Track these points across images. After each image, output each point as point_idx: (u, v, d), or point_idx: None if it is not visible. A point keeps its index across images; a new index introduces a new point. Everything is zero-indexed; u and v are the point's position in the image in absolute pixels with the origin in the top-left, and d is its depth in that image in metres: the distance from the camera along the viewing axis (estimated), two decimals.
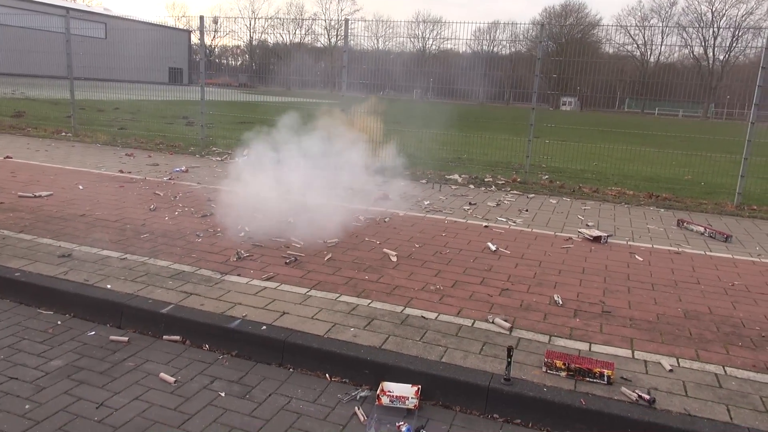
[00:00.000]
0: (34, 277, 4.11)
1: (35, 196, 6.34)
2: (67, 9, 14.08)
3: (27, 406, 2.82)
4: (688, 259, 5.40)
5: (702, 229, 6.38)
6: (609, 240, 5.88)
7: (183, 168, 8.61)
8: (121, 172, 8.17)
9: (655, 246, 5.82)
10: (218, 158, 9.97)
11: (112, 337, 3.58)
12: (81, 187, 7.01)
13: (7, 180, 7.17)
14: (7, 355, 3.30)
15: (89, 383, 3.07)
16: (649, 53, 49.59)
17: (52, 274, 4.15)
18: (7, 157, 8.88)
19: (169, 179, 7.85)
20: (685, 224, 6.65)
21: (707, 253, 5.67)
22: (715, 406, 2.88)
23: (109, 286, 3.98)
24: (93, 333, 3.64)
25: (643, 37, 54.67)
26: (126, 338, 3.57)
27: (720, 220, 7.21)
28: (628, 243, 5.88)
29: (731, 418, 2.79)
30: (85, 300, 3.87)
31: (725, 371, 3.25)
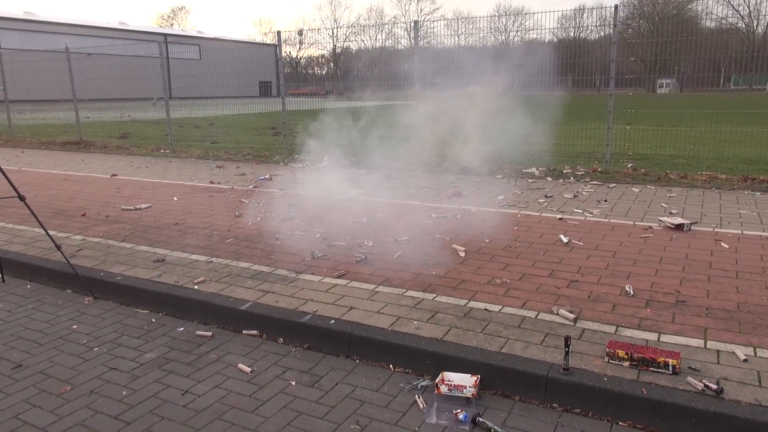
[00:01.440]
0: (132, 280, 4.57)
1: (136, 209, 6.99)
2: (165, 35, 15.23)
3: (124, 393, 3.19)
4: None
5: None
6: (692, 227, 5.61)
7: (267, 176, 9.10)
8: (212, 183, 8.77)
9: (744, 232, 5.49)
10: (300, 165, 10.43)
11: (198, 333, 3.93)
12: (175, 198, 7.62)
13: (113, 195, 7.93)
14: (109, 348, 3.72)
15: (177, 373, 3.40)
16: (755, 24, 45.79)
17: (147, 278, 4.60)
18: (114, 175, 9.79)
19: (254, 187, 8.33)
20: None
21: None
22: None
23: (195, 287, 4.35)
24: (182, 329, 4.01)
25: (748, 7, 50.49)
26: (210, 333, 3.91)
27: None
28: (715, 230, 5.58)
29: None
30: (175, 300, 4.26)
31: None
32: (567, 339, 3.02)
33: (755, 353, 3.16)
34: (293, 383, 3.27)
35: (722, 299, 3.91)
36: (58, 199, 7.74)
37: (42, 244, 5.54)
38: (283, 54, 12.23)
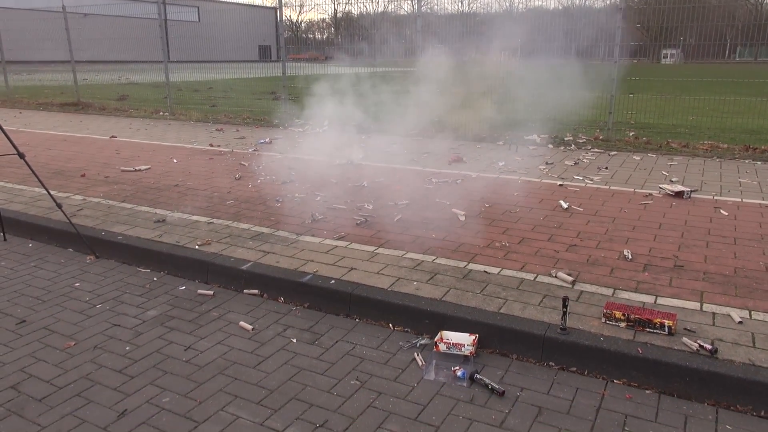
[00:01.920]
0: (133, 240, 4.59)
1: (135, 170, 6.97)
2: None
3: (127, 348, 3.24)
4: None
5: None
6: (692, 195, 5.62)
7: (267, 140, 9.06)
8: (211, 145, 8.73)
9: (744, 200, 5.50)
10: (300, 129, 10.37)
11: (200, 291, 3.96)
12: (175, 160, 7.60)
13: (112, 157, 7.90)
14: (112, 306, 3.76)
15: (179, 330, 3.45)
16: None
17: (149, 237, 4.62)
18: (113, 136, 9.74)
19: (254, 151, 8.30)
20: None
21: None
22: None
23: (197, 247, 4.38)
24: (183, 288, 4.04)
25: None
26: (211, 292, 3.94)
27: None
28: (714, 198, 5.59)
29: None
30: (177, 259, 4.29)
31: None
32: (565, 300, 3.05)
33: (750, 316, 3.20)
34: (294, 341, 3.32)
35: (720, 264, 3.94)
36: (57, 159, 7.72)
37: (43, 204, 5.54)
38: (284, 18, 12.04)
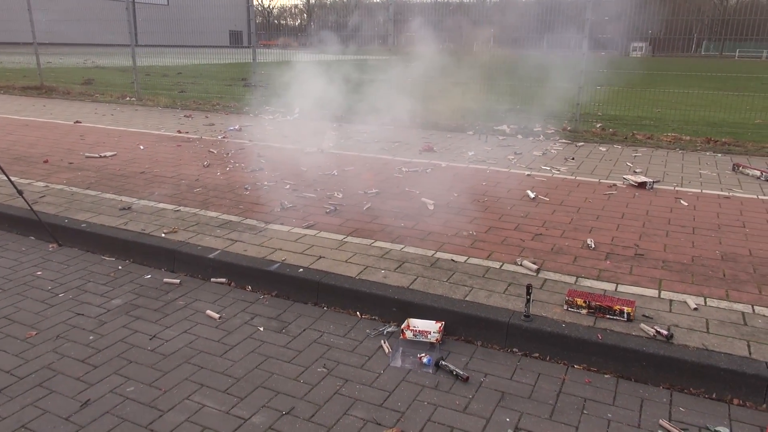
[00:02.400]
0: (97, 227, 4.51)
1: (100, 157, 6.83)
2: None
3: (91, 337, 3.19)
4: (737, 204, 5.24)
5: (758, 173, 6.13)
6: (655, 186, 5.76)
7: (237, 127, 8.95)
8: (179, 132, 8.60)
9: (704, 191, 5.66)
10: (270, 117, 10.27)
11: (166, 280, 3.93)
12: (142, 147, 7.46)
13: (76, 143, 7.72)
14: (75, 295, 3.70)
15: (144, 319, 3.41)
16: None
17: (114, 225, 4.54)
18: (77, 122, 9.50)
19: (223, 138, 8.20)
20: (740, 168, 6.39)
21: (759, 197, 5.47)
22: (736, 342, 2.90)
23: (163, 235, 4.33)
24: (149, 276, 4.00)
25: None
26: (178, 281, 3.91)
27: None
28: (675, 188, 5.75)
29: (750, 353, 2.81)
30: (143, 247, 4.24)
31: (753, 310, 3.24)
32: (528, 287, 3.12)
33: (705, 303, 3.32)
34: (261, 329, 3.32)
35: (678, 253, 4.06)
36: (19, 144, 7.50)
37: (3, 190, 5.40)
38: (255, 2, 11.86)
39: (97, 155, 6.87)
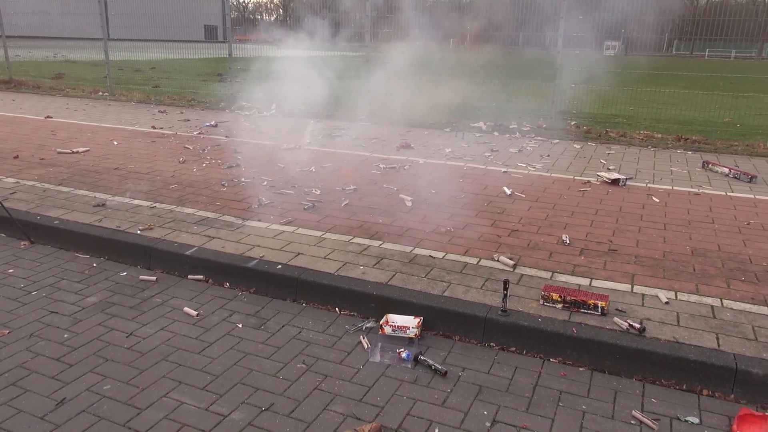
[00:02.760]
0: (71, 224, 4.44)
1: (73, 152, 6.71)
2: None
3: (66, 336, 3.15)
4: (707, 200, 5.37)
5: (727, 170, 6.29)
6: (628, 183, 5.88)
7: (212, 122, 8.87)
8: (154, 128, 8.48)
9: (675, 188, 5.80)
10: (247, 113, 10.19)
11: (142, 277, 3.88)
12: (116, 143, 7.35)
13: (48, 138, 7.57)
14: (49, 293, 3.64)
15: (120, 316, 3.38)
16: None
17: (88, 222, 4.47)
18: (48, 117, 9.31)
19: (199, 133, 8.12)
20: (710, 166, 6.55)
21: (728, 193, 5.62)
22: (705, 335, 2.99)
23: (138, 232, 4.28)
24: (125, 273, 3.95)
25: None
26: (154, 278, 3.87)
27: (749, 162, 7.06)
28: (648, 185, 5.87)
29: (719, 345, 2.89)
30: (118, 244, 4.18)
31: (722, 303, 3.33)
32: (506, 282, 3.16)
33: (676, 296, 3.40)
34: (240, 326, 3.31)
35: (650, 248, 4.16)
36: None
37: None
38: None
39: (69, 151, 6.74)
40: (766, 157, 7.32)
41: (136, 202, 4.97)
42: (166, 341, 3.13)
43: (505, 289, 3.17)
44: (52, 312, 3.40)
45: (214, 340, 3.16)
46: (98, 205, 4.84)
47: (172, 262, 3.99)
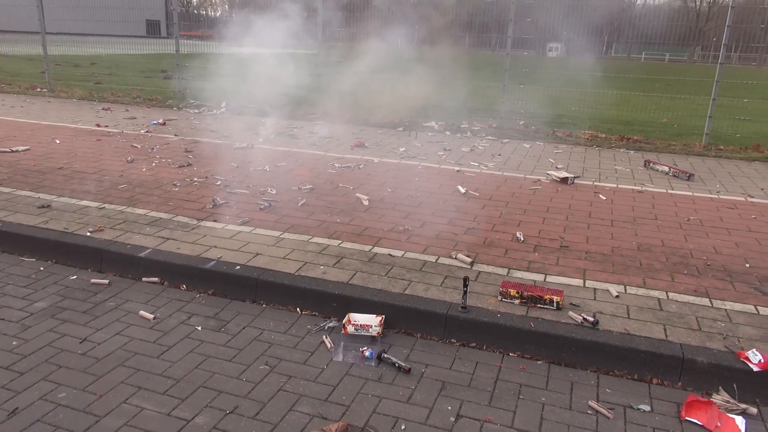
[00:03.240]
0: (15, 227, 4.24)
1: (12, 151, 6.40)
2: None
3: (14, 343, 3.02)
4: (650, 197, 5.63)
5: (667, 169, 6.60)
6: (576, 181, 6.08)
7: (160, 120, 8.63)
8: (98, 126, 8.18)
9: (619, 186, 6.04)
10: (196, 111, 9.97)
11: (93, 280, 3.76)
12: (58, 141, 7.06)
13: None
14: None
15: (73, 321, 3.26)
16: None
17: (32, 224, 4.29)
18: None
19: (147, 132, 7.89)
20: (651, 165, 6.86)
21: (669, 191, 5.90)
22: (654, 326, 3.14)
23: (88, 234, 4.13)
24: (75, 277, 3.81)
25: None
26: (107, 281, 3.75)
27: (687, 161, 7.43)
28: (594, 183, 6.09)
29: (666, 336, 3.05)
30: (67, 247, 4.03)
31: (668, 296, 3.50)
32: (465, 279, 3.23)
33: (625, 290, 3.56)
34: (199, 328, 3.25)
35: (599, 244, 4.32)
36: None
37: None
38: None
39: (8, 150, 6.43)
40: (701, 156, 7.72)
41: (84, 202, 4.80)
42: (122, 346, 3.04)
43: (465, 286, 3.23)
44: None
45: (173, 343, 3.09)
46: (43, 207, 4.64)
47: (126, 264, 3.88)
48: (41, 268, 3.93)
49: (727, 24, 7.75)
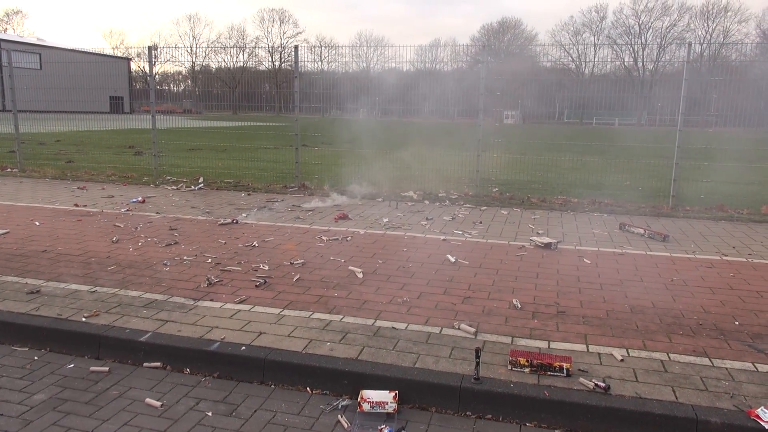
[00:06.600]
0: (5, 315, 4.11)
1: None
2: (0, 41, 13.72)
3: None
4: (631, 259, 5.83)
5: (642, 231, 6.87)
6: (558, 246, 6.27)
7: (140, 198, 8.59)
8: (77, 205, 8.09)
9: (600, 249, 6.25)
10: (174, 187, 9.96)
11: (93, 368, 3.64)
12: (37, 223, 6.94)
13: None
14: None
15: (76, 413, 3.14)
16: (584, 66, 51.82)
17: (23, 311, 4.17)
18: None
19: (127, 210, 7.83)
20: (626, 227, 7.13)
21: (648, 252, 6.13)
22: (662, 389, 3.22)
23: (83, 319, 4.03)
24: (72, 366, 3.69)
25: (577, 51, 57.51)
26: (107, 368, 3.64)
27: (658, 222, 7.75)
28: (576, 248, 6.29)
29: (677, 398, 3.12)
30: (62, 334, 3.91)
31: (669, 357, 3.60)
32: (477, 351, 3.27)
33: (628, 353, 3.65)
34: (209, 414, 3.18)
35: (594, 308, 4.44)
36: None
37: None
38: (141, 68, 11.63)
39: None
40: (671, 217, 8.07)
41: (74, 286, 4.70)
42: None
43: (477, 357, 3.27)
44: None
45: (184, 431, 3.00)
46: (32, 292, 4.53)
47: (125, 350, 3.78)
48: (35, 358, 3.79)
49: (682, 95, 8.31)
